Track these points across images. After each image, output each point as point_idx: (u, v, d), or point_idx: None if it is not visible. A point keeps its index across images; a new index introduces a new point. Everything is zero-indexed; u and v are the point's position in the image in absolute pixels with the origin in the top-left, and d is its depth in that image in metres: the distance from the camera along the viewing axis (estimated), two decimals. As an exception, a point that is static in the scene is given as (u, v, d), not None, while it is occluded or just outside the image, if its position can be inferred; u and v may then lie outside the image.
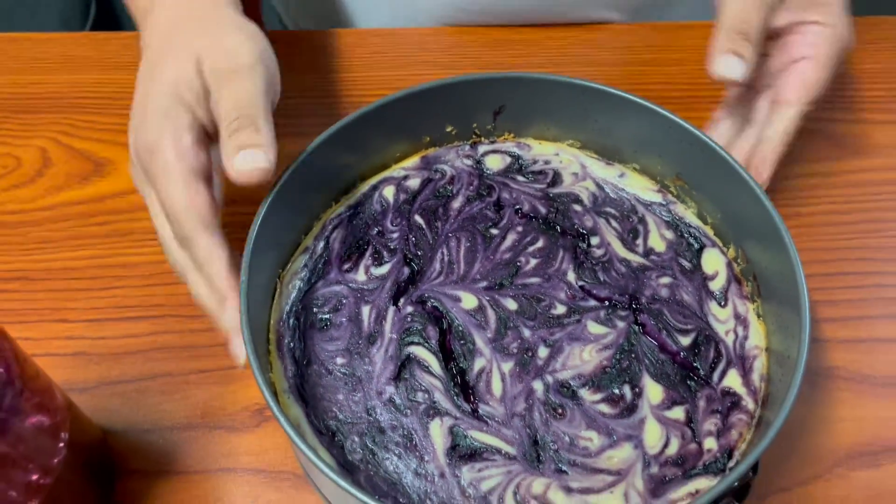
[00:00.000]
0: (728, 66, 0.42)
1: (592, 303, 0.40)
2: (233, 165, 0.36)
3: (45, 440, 0.34)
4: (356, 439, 0.36)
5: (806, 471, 0.41)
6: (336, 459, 0.36)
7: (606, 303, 0.40)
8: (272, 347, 0.39)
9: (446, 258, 0.42)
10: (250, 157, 0.36)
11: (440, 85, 0.43)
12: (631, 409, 0.37)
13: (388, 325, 0.40)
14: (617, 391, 0.38)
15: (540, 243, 0.43)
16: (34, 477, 0.33)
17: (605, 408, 0.37)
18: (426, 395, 0.37)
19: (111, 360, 0.44)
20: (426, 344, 0.39)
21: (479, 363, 0.38)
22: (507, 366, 0.38)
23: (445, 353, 0.39)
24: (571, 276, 0.41)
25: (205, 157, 0.39)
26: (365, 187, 0.45)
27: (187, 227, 0.37)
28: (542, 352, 0.39)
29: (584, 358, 0.38)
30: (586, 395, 0.38)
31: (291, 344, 0.39)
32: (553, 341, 0.39)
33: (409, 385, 0.38)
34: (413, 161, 0.46)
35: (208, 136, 0.39)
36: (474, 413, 0.37)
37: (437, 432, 0.36)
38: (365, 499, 0.30)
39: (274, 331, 0.39)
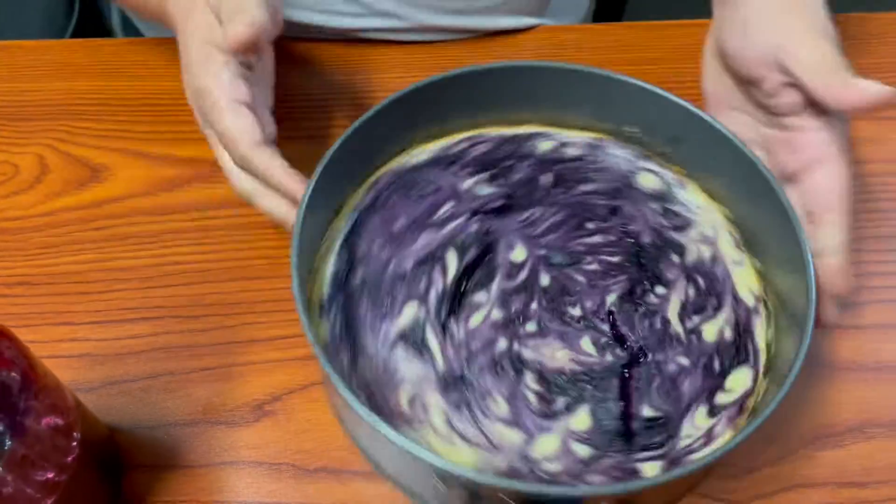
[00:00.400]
0: (871, 86, 0.39)
1: (604, 327, 0.42)
2: (229, 37, 0.41)
3: (59, 440, 0.36)
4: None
5: (773, 452, 0.44)
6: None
7: (615, 338, 0.42)
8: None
9: (536, 216, 0.45)
10: (240, 23, 0.41)
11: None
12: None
13: (445, 224, 0.44)
14: (548, 398, 0.40)
15: (615, 259, 0.44)
16: (50, 475, 0.35)
17: (532, 401, 0.39)
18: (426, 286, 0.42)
19: (115, 361, 0.46)
20: (460, 253, 0.43)
21: (480, 296, 0.42)
22: (497, 314, 0.42)
23: (466, 270, 0.43)
24: (611, 299, 0.43)
25: (245, 88, 0.44)
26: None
27: (242, 147, 0.43)
28: (530, 326, 0.41)
29: (555, 356, 0.41)
30: (528, 379, 0.40)
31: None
32: (545, 326, 0.41)
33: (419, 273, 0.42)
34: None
35: (247, 66, 0.45)
36: (443, 327, 0.41)
37: (409, 313, 0.41)
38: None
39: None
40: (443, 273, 0.43)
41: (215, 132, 0.44)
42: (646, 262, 0.44)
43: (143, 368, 0.46)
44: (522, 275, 0.43)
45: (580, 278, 0.43)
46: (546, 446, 0.38)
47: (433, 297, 0.42)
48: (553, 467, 0.37)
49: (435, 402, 0.39)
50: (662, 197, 0.46)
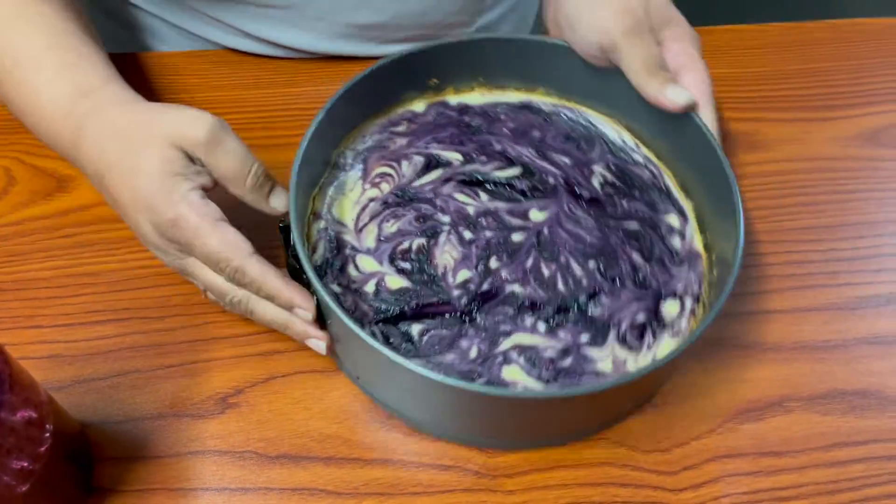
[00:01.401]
0: (681, 94, 0.48)
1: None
2: (272, 207, 0.46)
3: (33, 431, 0.38)
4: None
5: (700, 427, 0.47)
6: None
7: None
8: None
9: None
10: (281, 195, 0.46)
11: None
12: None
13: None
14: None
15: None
16: (24, 464, 0.38)
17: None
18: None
19: (83, 361, 0.49)
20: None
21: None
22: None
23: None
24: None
25: (214, 206, 0.44)
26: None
27: (235, 260, 0.43)
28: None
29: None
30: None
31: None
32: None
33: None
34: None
35: (206, 190, 0.45)
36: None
37: None
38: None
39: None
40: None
41: (199, 255, 0.44)
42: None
43: (111, 367, 0.49)
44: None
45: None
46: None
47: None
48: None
49: None
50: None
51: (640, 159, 0.54)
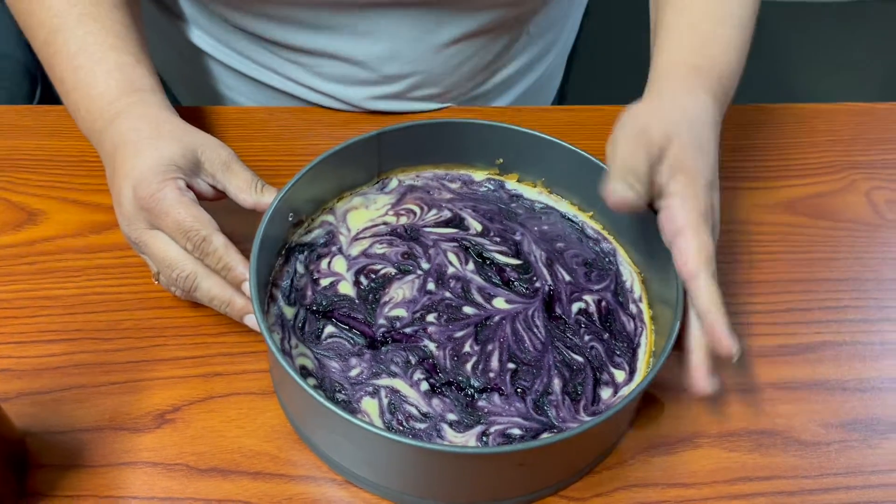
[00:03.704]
0: (621, 188, 0.46)
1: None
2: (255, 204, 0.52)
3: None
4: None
5: (613, 459, 0.50)
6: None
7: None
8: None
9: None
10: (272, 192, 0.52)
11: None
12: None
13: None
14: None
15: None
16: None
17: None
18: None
19: (32, 375, 0.52)
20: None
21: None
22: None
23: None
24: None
25: (193, 195, 0.51)
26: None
27: (204, 230, 0.49)
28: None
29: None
30: None
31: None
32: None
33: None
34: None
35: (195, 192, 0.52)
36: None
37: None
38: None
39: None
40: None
41: (169, 226, 0.49)
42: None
43: (58, 382, 0.51)
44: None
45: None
46: None
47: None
48: None
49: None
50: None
51: (635, 311, 0.54)
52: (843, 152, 0.71)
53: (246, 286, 0.49)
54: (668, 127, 0.49)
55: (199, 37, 0.74)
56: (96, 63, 0.55)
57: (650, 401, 0.53)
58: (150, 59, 0.59)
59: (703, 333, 0.46)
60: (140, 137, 0.52)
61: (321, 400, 0.42)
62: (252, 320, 0.50)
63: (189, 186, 0.51)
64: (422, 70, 0.69)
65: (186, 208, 0.49)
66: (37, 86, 1.08)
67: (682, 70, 0.54)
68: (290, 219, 0.54)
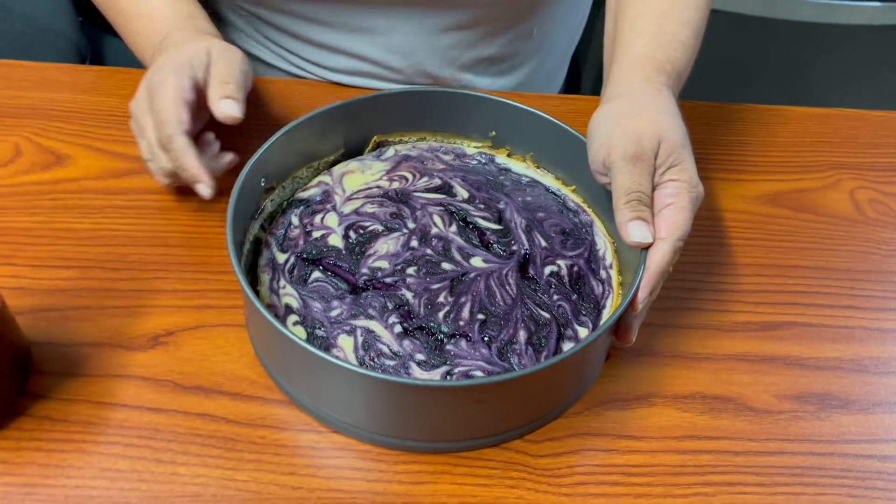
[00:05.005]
0: (640, 232, 0.50)
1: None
2: (219, 107, 0.56)
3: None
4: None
5: (570, 409, 0.53)
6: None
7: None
8: None
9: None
10: (230, 104, 0.56)
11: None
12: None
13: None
14: None
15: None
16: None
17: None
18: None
19: (43, 294, 0.56)
20: None
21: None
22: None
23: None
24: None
25: (193, 97, 0.57)
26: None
27: (169, 128, 0.55)
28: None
29: None
30: None
31: None
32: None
33: None
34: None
35: (200, 92, 0.58)
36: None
37: None
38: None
39: None
40: None
41: (153, 112, 0.56)
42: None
43: (66, 302, 0.56)
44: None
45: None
46: None
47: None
48: None
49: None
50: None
51: (605, 277, 0.57)
52: (832, 153, 0.73)
53: (202, 187, 0.56)
54: (657, 128, 0.52)
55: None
56: None
57: (614, 363, 0.55)
58: None
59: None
60: (178, 43, 0.60)
61: (278, 326, 0.46)
62: (203, 189, 0.57)
63: (199, 84, 0.57)
64: (424, 62, 0.74)
65: (171, 102, 0.55)
66: (85, 63, 1.15)
67: (649, 67, 0.57)
68: (263, 184, 0.58)
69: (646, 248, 0.50)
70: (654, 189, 0.52)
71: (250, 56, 0.80)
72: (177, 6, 0.65)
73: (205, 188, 0.56)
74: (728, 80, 1.39)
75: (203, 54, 0.58)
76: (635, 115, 0.53)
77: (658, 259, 0.50)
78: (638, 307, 0.49)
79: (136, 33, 0.66)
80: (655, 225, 0.51)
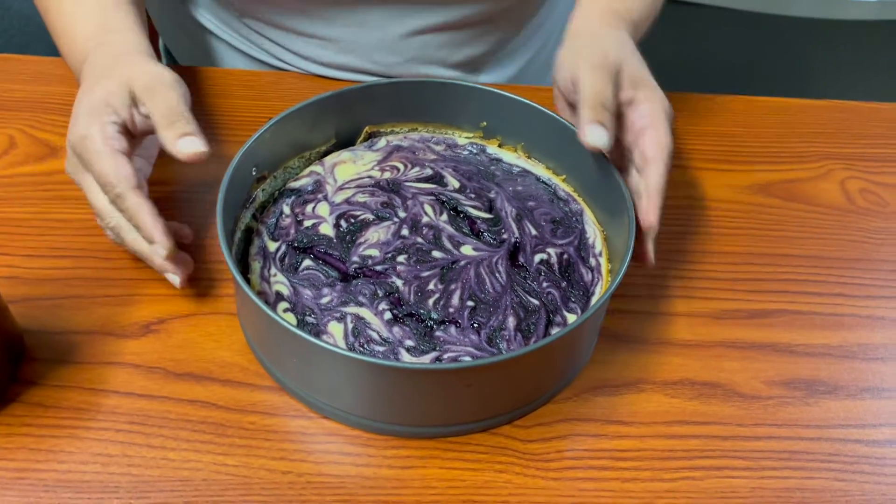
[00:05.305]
0: (596, 134, 0.51)
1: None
2: (178, 149, 0.50)
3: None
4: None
5: (559, 394, 0.53)
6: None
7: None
8: None
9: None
10: (190, 142, 0.50)
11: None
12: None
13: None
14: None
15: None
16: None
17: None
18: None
19: (36, 283, 0.57)
20: None
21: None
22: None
23: None
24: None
25: (126, 143, 0.52)
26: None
27: (119, 187, 0.50)
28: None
29: None
30: None
31: None
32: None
33: None
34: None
35: (129, 133, 0.53)
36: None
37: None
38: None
39: None
40: None
41: (94, 174, 0.51)
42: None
43: (59, 291, 0.56)
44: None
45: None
46: None
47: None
48: None
49: None
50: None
51: (594, 265, 0.57)
52: (823, 143, 0.73)
53: (157, 247, 0.50)
54: (619, 52, 0.55)
55: (202, 14, 0.79)
56: (78, 6, 0.60)
57: (603, 349, 0.56)
58: (137, 5, 0.61)
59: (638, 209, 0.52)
60: (92, 75, 0.54)
61: (269, 312, 0.46)
62: (174, 279, 0.54)
63: (126, 125, 0.52)
64: (410, 59, 0.74)
65: (107, 159, 0.50)
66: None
67: (609, 14, 0.61)
68: (254, 173, 0.58)
69: (599, 152, 0.53)
70: (627, 105, 0.54)
71: (237, 51, 0.81)
72: (89, 20, 0.59)
73: (174, 278, 0.53)
74: (724, 76, 1.40)
75: (122, 91, 0.52)
76: (599, 43, 0.56)
77: (656, 179, 0.52)
78: (654, 225, 0.52)
79: (65, 55, 0.62)
80: (644, 147, 0.52)
